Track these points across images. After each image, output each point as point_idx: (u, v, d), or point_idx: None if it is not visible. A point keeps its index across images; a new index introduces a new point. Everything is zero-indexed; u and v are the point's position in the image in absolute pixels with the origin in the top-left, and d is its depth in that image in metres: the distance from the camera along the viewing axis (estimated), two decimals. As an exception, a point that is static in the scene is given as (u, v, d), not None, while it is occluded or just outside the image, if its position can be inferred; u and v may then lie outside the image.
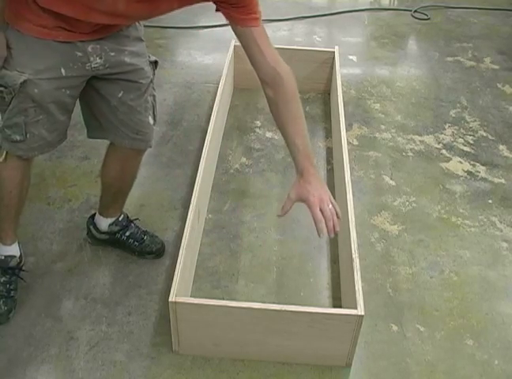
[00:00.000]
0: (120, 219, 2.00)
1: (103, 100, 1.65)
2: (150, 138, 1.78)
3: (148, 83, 1.68)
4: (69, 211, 2.21)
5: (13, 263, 1.80)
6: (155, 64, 1.71)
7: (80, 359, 1.68)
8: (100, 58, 1.54)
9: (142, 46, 1.65)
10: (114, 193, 1.93)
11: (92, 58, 1.52)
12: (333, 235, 1.48)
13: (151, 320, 1.81)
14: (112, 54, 1.55)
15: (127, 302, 1.86)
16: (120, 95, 1.64)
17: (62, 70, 1.51)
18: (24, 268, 1.86)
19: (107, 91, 1.64)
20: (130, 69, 1.61)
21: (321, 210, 1.46)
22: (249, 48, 1.45)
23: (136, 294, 1.89)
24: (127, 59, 1.59)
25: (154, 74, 1.71)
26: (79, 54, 1.51)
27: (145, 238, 2.02)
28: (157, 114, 1.78)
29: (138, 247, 2.00)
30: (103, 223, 1.99)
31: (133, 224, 2.03)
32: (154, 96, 1.73)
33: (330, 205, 1.48)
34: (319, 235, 1.46)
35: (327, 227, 1.46)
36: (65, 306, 1.84)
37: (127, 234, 2.00)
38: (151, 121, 1.74)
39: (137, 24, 1.62)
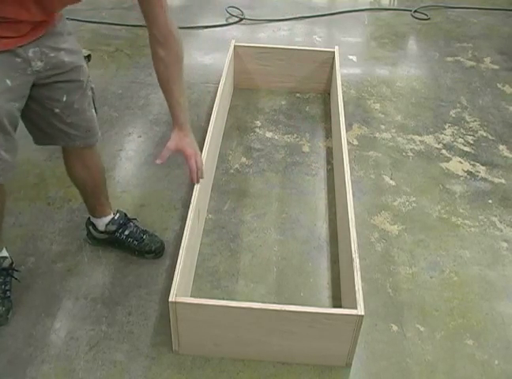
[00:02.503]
0: (116, 217, 2.00)
1: (46, 110, 1.62)
2: (98, 130, 1.78)
3: (87, 79, 1.67)
4: (69, 211, 2.21)
5: (5, 264, 1.82)
6: (88, 58, 1.70)
7: (80, 359, 1.68)
8: (41, 61, 1.50)
9: (75, 41, 1.63)
10: (91, 191, 1.93)
11: (33, 63, 1.49)
12: (198, 183, 1.80)
13: (151, 320, 1.81)
14: (52, 55, 1.53)
15: (127, 302, 1.87)
16: (64, 99, 1.61)
17: (8, 81, 1.45)
18: (16, 268, 1.87)
19: (51, 99, 1.60)
20: (70, 67, 1.58)
21: (195, 161, 1.70)
22: (150, 5, 1.49)
23: (136, 294, 1.89)
24: (66, 58, 1.56)
25: (88, 67, 1.71)
26: (18, 60, 1.46)
27: (145, 237, 2.02)
28: (96, 102, 1.77)
29: (138, 246, 2.00)
30: (100, 223, 1.99)
31: (132, 223, 2.03)
32: (92, 88, 1.72)
33: (199, 159, 1.72)
34: (194, 181, 1.74)
35: (197, 176, 1.72)
36: (65, 306, 1.84)
37: (126, 232, 2.00)
38: (94, 113, 1.74)
39: (62, 16, 1.59)
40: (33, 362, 1.67)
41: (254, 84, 3.10)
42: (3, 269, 1.81)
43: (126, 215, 2.05)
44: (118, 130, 2.72)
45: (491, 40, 3.86)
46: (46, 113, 1.63)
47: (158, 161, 1.65)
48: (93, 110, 1.74)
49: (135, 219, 2.08)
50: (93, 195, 1.95)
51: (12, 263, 1.85)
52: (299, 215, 2.26)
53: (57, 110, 1.62)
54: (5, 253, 1.84)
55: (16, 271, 1.87)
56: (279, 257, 2.06)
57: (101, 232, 2.01)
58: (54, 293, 1.88)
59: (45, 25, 1.50)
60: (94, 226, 2.01)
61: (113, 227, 1.99)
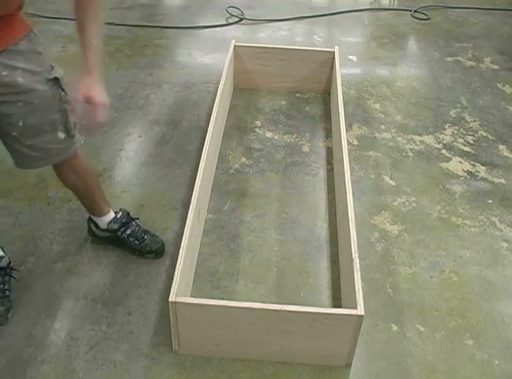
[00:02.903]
0: (118, 216, 2.00)
1: (4, 132, 1.58)
2: (66, 149, 1.69)
3: (48, 102, 1.57)
4: (69, 211, 2.21)
5: (2, 263, 1.82)
6: (57, 80, 1.58)
7: (81, 359, 1.68)
8: None
9: (39, 62, 1.53)
10: (84, 193, 1.91)
11: None
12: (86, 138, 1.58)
13: (151, 320, 1.81)
14: (4, 73, 1.45)
15: (127, 302, 1.87)
16: (21, 124, 1.55)
17: None
18: (14, 267, 1.87)
19: (7, 123, 1.55)
20: (24, 89, 1.50)
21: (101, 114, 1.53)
22: None
23: (136, 294, 1.89)
24: (20, 79, 1.48)
25: (62, 89, 1.59)
26: None
27: (146, 237, 2.02)
28: (72, 126, 1.66)
29: (138, 246, 2.01)
30: (101, 221, 1.99)
31: (134, 222, 2.04)
32: (65, 111, 1.62)
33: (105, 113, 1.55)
34: (84, 134, 1.58)
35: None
36: (65, 306, 1.84)
37: (128, 232, 2.00)
38: (61, 136, 1.65)
39: (31, 34, 1.51)
40: (33, 362, 1.67)
41: (254, 84, 3.10)
42: (1, 268, 1.81)
43: (128, 213, 2.05)
44: (118, 130, 2.72)
45: (491, 40, 3.86)
46: (4, 135, 1.59)
47: (72, 118, 1.53)
48: (60, 133, 1.64)
49: (137, 218, 2.08)
50: (86, 196, 1.94)
51: (10, 262, 1.85)
52: (299, 215, 2.26)
53: (14, 134, 1.57)
54: (0, 253, 1.84)
55: (15, 270, 1.87)
56: (279, 257, 2.06)
57: (103, 230, 2.01)
58: (54, 293, 1.88)
59: (1, 41, 1.43)
60: (95, 224, 2.01)
61: (115, 226, 1.99)
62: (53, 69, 1.58)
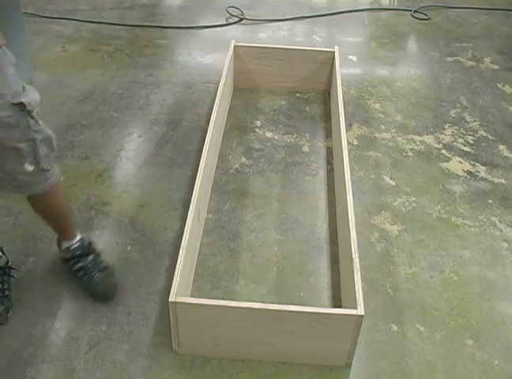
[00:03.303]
0: (72, 248, 1.84)
1: None
2: (37, 183, 1.57)
3: (10, 129, 1.43)
4: (69, 211, 2.21)
5: (1, 262, 1.82)
6: (23, 106, 1.42)
7: (80, 359, 1.68)
8: None
9: (3, 83, 1.39)
10: (49, 222, 1.81)
11: None
12: None
13: (151, 320, 1.81)
14: None
15: (127, 302, 1.87)
16: None
17: None
18: (13, 267, 1.86)
19: None
20: None
21: None
22: None
23: (136, 294, 1.89)
24: None
25: (30, 116, 1.45)
26: None
27: (97, 276, 1.84)
28: (44, 158, 1.53)
29: (85, 283, 1.85)
30: (62, 243, 1.88)
31: (91, 257, 1.86)
32: (33, 141, 1.48)
33: None
34: None
35: None
36: (65, 306, 1.84)
37: (79, 265, 1.85)
38: (29, 168, 1.50)
39: None
40: (33, 362, 1.67)
41: (254, 84, 3.10)
42: None
43: (90, 245, 1.89)
44: (118, 130, 2.72)
45: (491, 40, 3.86)
46: None
47: None
48: (27, 165, 1.50)
49: (99, 253, 1.92)
50: (50, 224, 1.82)
51: (8, 262, 1.85)
52: (299, 215, 2.26)
53: None
54: None
55: (14, 270, 1.86)
56: (279, 257, 2.06)
57: (60, 251, 1.89)
58: (54, 293, 1.88)
59: None
60: (59, 243, 1.89)
61: (67, 255, 1.86)
62: (24, 91, 1.45)
